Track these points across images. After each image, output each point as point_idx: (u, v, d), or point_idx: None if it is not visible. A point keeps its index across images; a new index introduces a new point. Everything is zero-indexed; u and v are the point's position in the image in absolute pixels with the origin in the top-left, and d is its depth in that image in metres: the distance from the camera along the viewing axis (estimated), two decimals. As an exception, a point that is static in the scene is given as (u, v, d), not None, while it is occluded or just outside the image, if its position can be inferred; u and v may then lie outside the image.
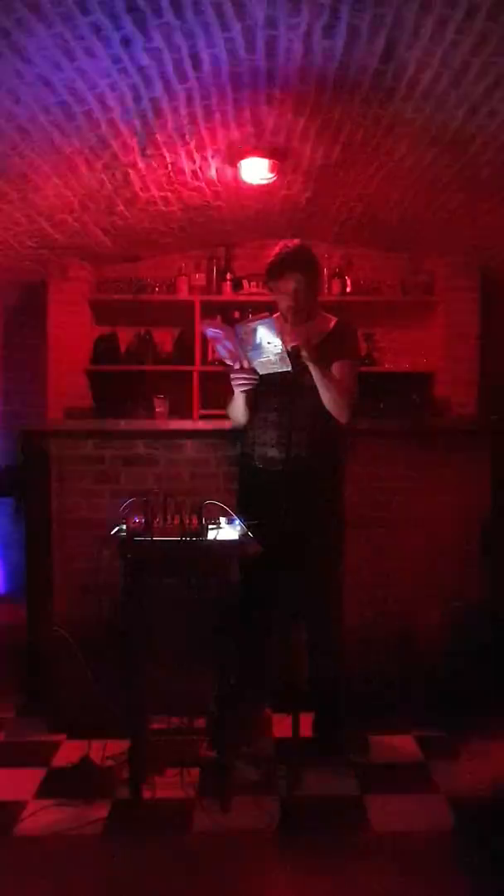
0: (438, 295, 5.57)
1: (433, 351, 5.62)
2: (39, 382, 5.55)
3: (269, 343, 2.65)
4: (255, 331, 2.65)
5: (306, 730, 2.92)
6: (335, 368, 2.82)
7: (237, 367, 2.78)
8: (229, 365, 2.82)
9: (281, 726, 3.02)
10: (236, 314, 5.49)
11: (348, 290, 5.57)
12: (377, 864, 2.33)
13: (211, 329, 2.83)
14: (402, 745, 3.04)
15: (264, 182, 4.23)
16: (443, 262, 5.48)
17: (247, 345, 2.70)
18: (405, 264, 5.73)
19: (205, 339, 5.28)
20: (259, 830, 2.47)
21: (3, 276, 5.24)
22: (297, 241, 2.88)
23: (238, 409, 2.92)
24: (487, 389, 5.42)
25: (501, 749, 2.55)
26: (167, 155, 3.91)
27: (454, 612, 3.36)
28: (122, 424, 3.67)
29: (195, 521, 2.57)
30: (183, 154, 3.93)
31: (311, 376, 2.75)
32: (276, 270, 2.83)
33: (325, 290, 5.48)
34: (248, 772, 2.80)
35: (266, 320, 2.64)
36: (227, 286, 5.59)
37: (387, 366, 5.62)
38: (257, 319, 2.66)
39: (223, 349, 2.80)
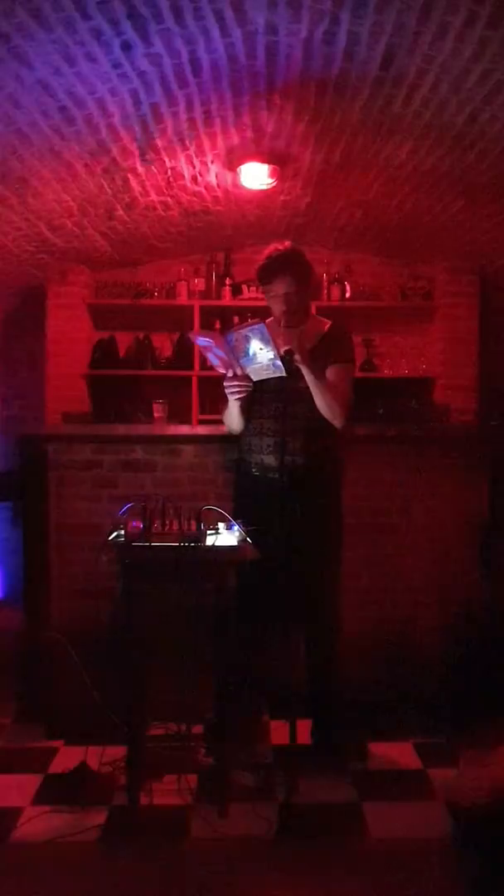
0: (438, 300, 5.58)
1: (432, 356, 5.63)
2: (38, 387, 5.56)
3: (261, 349, 2.61)
4: (246, 337, 2.60)
5: (304, 736, 2.91)
6: (330, 372, 2.80)
7: (230, 374, 2.75)
8: (222, 373, 2.80)
9: (279, 733, 3.02)
10: (235, 319, 5.50)
11: (348, 295, 5.58)
12: (375, 871, 2.32)
13: (201, 338, 2.80)
14: (401, 751, 3.03)
15: (264, 187, 4.23)
16: (442, 268, 5.49)
17: (239, 352, 2.66)
18: (404, 270, 5.74)
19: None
20: (257, 837, 2.46)
21: (3, 280, 5.24)
22: (287, 243, 2.84)
23: (233, 417, 2.90)
24: (487, 395, 5.43)
25: (500, 756, 2.54)
26: (167, 160, 3.92)
27: (453, 618, 3.36)
28: (121, 429, 3.69)
29: (193, 526, 2.56)
30: (182, 159, 3.93)
31: (305, 381, 2.73)
32: (266, 274, 2.81)
33: (325, 296, 5.49)
34: (245, 778, 2.79)
35: (257, 326, 2.58)
36: (227, 291, 5.60)
37: (386, 371, 5.64)
38: (248, 326, 2.61)
39: (214, 357, 2.77)
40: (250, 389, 2.77)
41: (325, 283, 5.50)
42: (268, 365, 2.66)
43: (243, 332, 2.61)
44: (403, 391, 5.52)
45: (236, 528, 2.63)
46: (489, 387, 5.45)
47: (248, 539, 2.59)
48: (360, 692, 3.13)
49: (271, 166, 4.04)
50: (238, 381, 2.74)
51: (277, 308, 2.84)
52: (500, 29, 2.62)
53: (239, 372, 2.73)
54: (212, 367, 2.91)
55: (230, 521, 2.65)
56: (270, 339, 2.59)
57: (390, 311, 5.68)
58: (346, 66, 2.99)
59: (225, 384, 2.78)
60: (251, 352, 2.64)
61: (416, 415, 5.34)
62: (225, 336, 2.66)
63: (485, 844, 2.30)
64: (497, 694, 2.97)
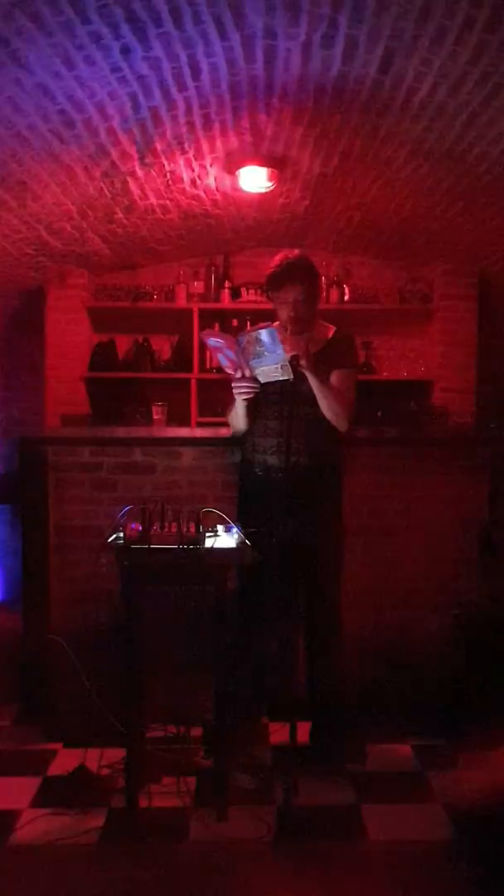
0: (436, 303, 5.58)
1: (431, 359, 5.63)
2: (37, 389, 5.56)
3: (270, 352, 2.66)
4: (257, 340, 2.65)
5: (304, 738, 2.91)
6: (334, 377, 2.84)
7: (238, 375, 2.79)
8: (230, 374, 2.83)
9: (278, 735, 3.02)
10: (234, 322, 5.51)
11: (346, 298, 5.58)
12: (374, 873, 2.32)
13: (213, 339, 2.83)
14: (400, 753, 3.03)
15: (263, 190, 4.24)
16: (440, 271, 5.49)
17: (249, 354, 2.70)
18: (403, 272, 5.74)
19: (203, 347, 5.28)
20: (256, 839, 2.46)
21: (2, 283, 5.24)
22: (297, 251, 2.89)
23: (239, 418, 2.93)
24: (485, 397, 5.43)
25: (500, 757, 2.54)
26: (166, 163, 3.92)
27: (452, 620, 3.36)
28: (120, 432, 3.68)
29: (192, 528, 2.56)
30: (182, 162, 3.94)
31: (310, 384, 2.75)
32: (278, 281, 2.84)
33: (324, 299, 5.49)
34: (244, 780, 2.79)
35: (268, 329, 2.64)
36: (226, 294, 5.59)
37: (385, 374, 5.64)
38: (259, 328, 2.67)
39: (225, 359, 2.81)
40: (258, 391, 2.80)
41: (324, 286, 5.49)
42: (275, 368, 2.71)
43: (254, 334, 2.67)
44: (402, 393, 5.51)
45: (235, 530, 2.64)
46: (488, 389, 5.45)
47: (248, 541, 2.60)
48: (360, 694, 3.13)
49: (270, 169, 4.04)
50: (246, 382, 2.77)
51: (285, 314, 2.86)
52: (498, 32, 2.62)
53: (247, 373, 2.76)
54: (217, 368, 2.94)
55: (229, 523, 2.66)
56: (279, 343, 2.63)
57: (389, 313, 5.67)
58: (345, 70, 3.00)
59: (233, 385, 2.82)
60: (260, 354, 2.68)
61: (415, 417, 5.34)
62: (236, 338, 2.70)
63: (484, 846, 2.30)
64: (496, 695, 2.97)
